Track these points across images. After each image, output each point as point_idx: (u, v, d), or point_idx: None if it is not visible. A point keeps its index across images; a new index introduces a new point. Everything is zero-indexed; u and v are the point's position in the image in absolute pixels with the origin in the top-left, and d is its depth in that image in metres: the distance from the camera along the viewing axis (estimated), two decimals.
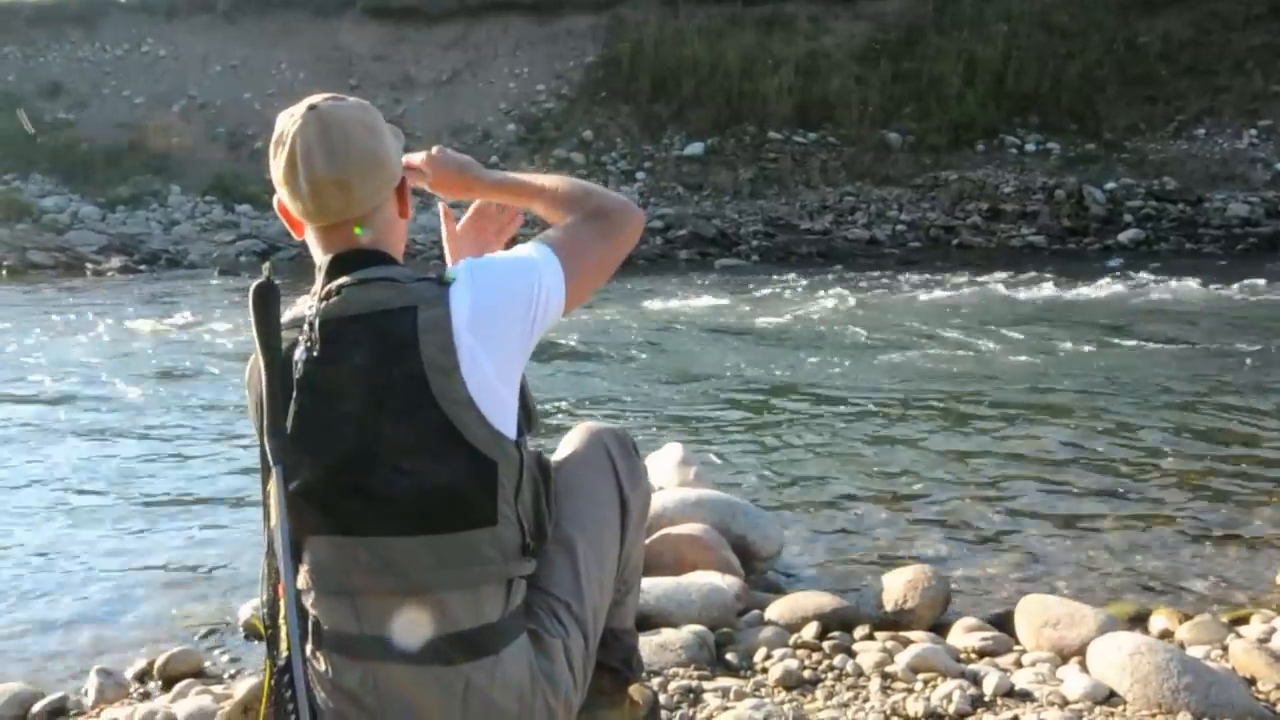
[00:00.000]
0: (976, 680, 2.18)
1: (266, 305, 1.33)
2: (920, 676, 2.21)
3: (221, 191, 17.23)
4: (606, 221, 1.61)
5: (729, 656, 2.37)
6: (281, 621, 1.15)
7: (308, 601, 1.42)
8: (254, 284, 1.36)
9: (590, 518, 1.63)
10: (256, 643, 2.93)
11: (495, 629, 1.44)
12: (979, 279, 11.31)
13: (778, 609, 2.61)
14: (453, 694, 1.41)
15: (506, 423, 1.43)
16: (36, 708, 2.43)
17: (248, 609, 3.06)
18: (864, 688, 2.18)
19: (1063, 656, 2.31)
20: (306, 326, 1.40)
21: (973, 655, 2.37)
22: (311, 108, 1.46)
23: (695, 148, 18.03)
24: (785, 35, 19.48)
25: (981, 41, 18.65)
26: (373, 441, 1.38)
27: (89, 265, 13.68)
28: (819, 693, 2.16)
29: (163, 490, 4.28)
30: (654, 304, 9.90)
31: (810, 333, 8.25)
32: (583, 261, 1.55)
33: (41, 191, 17.11)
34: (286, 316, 1.48)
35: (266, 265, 1.39)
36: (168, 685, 2.62)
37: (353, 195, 1.45)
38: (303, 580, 1.42)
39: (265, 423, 1.30)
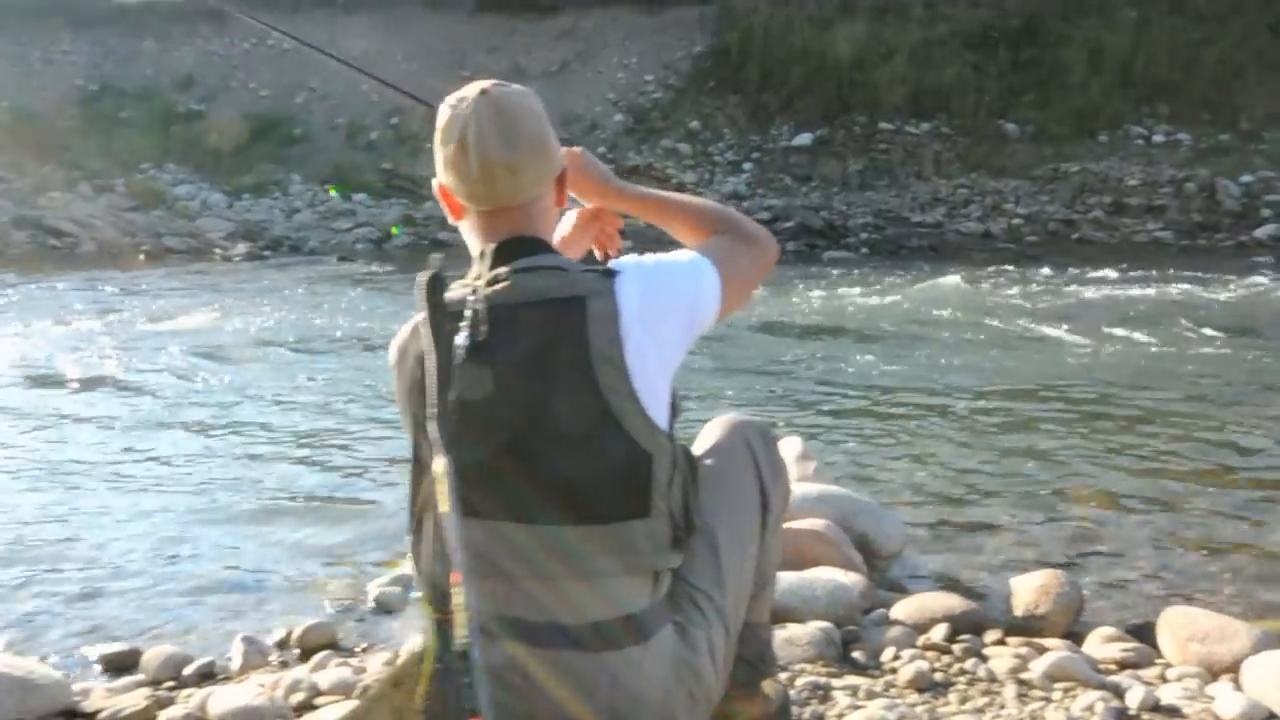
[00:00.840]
0: (1119, 693, 2.10)
1: (436, 294, 1.36)
2: (1058, 686, 2.14)
3: (339, 181, 17.81)
4: (755, 246, 1.65)
5: (855, 654, 2.34)
6: (456, 608, 1.18)
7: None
8: (425, 274, 1.40)
9: (732, 510, 1.62)
10: (384, 618, 3.05)
11: (642, 619, 1.45)
12: (1102, 275, 10.88)
13: (904, 608, 2.57)
14: (598, 682, 1.42)
15: (662, 416, 1.45)
16: (188, 670, 2.56)
17: (375, 587, 3.18)
18: (998, 694, 2.13)
19: (1212, 673, 2.21)
20: (470, 312, 1.42)
21: (1112, 666, 2.28)
22: (483, 92, 1.48)
23: (804, 138, 17.79)
24: (898, 23, 19.03)
25: (1108, 28, 17.87)
26: (535, 429, 1.39)
27: (217, 251, 14.32)
28: (951, 696, 2.11)
29: (299, 472, 4.45)
30: (762, 296, 9.82)
31: (924, 328, 8.06)
32: (735, 278, 1.57)
33: (175, 180, 17.96)
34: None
35: (437, 256, 1.42)
36: (304, 655, 2.73)
37: (521, 180, 1.47)
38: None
39: (434, 409, 1.33)
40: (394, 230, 15.39)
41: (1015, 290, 10.20)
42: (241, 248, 14.43)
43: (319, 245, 15.03)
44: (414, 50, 20.52)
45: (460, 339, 1.39)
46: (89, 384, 6.20)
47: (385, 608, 3.07)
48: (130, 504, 3.98)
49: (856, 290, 10.26)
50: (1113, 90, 17.30)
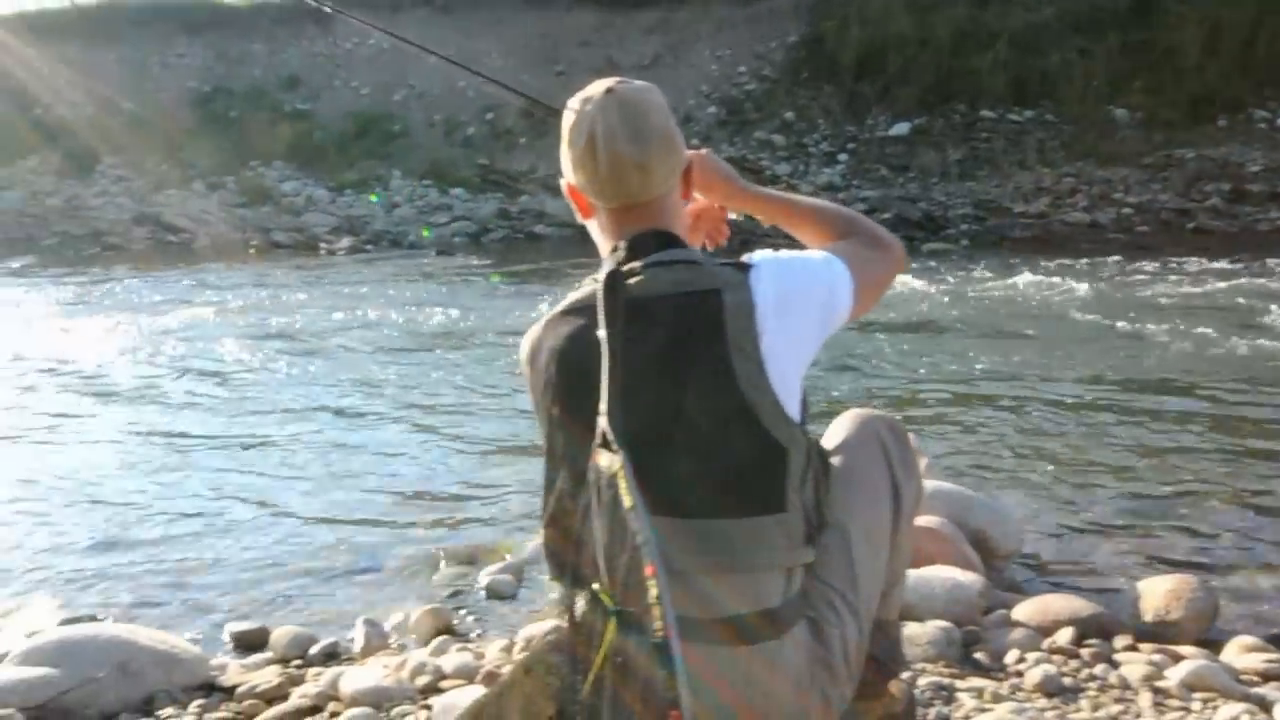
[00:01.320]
0: (1265, 705, 2.00)
1: (615, 292, 1.38)
2: (1197, 696, 2.06)
3: (437, 176, 18.16)
4: (884, 250, 1.63)
5: (977, 655, 2.29)
6: (652, 602, 1.20)
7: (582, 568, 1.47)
8: (606, 269, 1.41)
9: (864, 506, 1.60)
10: (496, 604, 3.11)
11: (776, 615, 1.44)
12: (1221, 267, 10.38)
13: (1026, 610, 2.50)
14: (733, 677, 1.42)
15: (795, 411, 1.44)
16: (314, 649, 2.66)
17: (486, 575, 3.24)
18: (1132, 702, 2.05)
19: None
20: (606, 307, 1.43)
21: (1255, 678, 2.18)
22: (609, 91, 1.49)
23: (901, 128, 17.43)
24: (1001, 7, 18.45)
25: (1227, 6, 17.00)
26: (671, 423, 1.39)
27: (322, 245, 14.76)
28: (1083, 703, 2.05)
29: (408, 460, 4.57)
30: None
31: (1030, 321, 7.82)
32: (867, 280, 1.55)
33: (281, 177, 18.58)
34: (572, 298, 1.53)
35: (617, 251, 1.43)
36: (420, 639, 2.80)
37: (651, 176, 1.48)
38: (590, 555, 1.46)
39: (605, 405, 1.34)
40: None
41: (1126, 282, 9.82)
42: (345, 242, 14.85)
43: (418, 239, 15.36)
44: (509, 46, 20.80)
45: (600, 334, 1.40)
46: (205, 373, 6.47)
47: (496, 594, 3.14)
48: (249, 487, 4.15)
49: (957, 282, 10.01)
50: (1231, 73, 16.46)
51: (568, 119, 1.52)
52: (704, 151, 1.72)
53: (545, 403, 1.49)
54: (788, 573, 1.46)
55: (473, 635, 2.86)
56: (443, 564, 3.38)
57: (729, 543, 1.41)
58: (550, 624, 2.63)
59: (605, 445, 1.30)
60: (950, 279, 10.27)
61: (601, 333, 1.40)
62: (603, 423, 1.30)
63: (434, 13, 21.86)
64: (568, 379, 1.45)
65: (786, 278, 1.45)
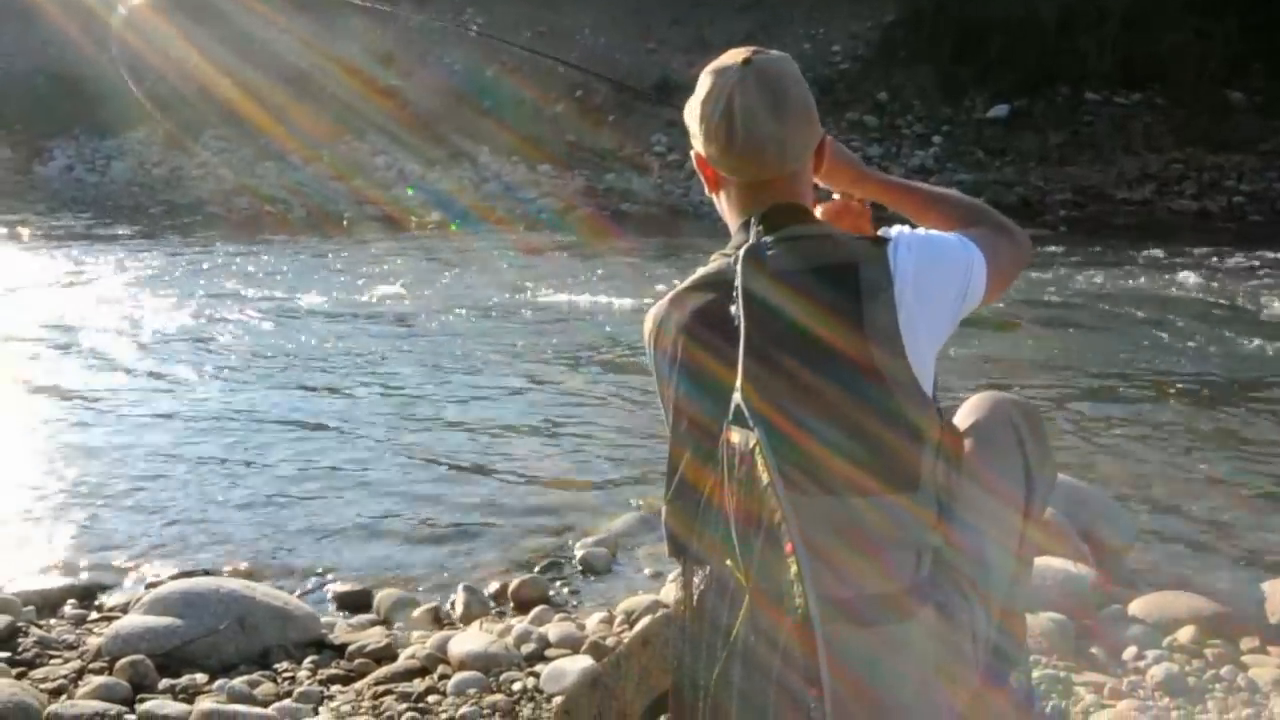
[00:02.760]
0: None
1: (752, 266, 1.36)
2: None
3: (525, 153, 18.28)
4: (1013, 239, 1.60)
5: (1093, 650, 2.22)
6: (793, 579, 1.18)
7: (702, 545, 1.45)
8: (739, 244, 1.39)
9: (995, 493, 1.56)
10: (591, 578, 3.13)
11: (904, 597, 1.40)
12: None
13: (1144, 606, 2.42)
14: (860, 656, 1.39)
15: (930, 390, 1.40)
16: (416, 613, 2.71)
17: (580, 547, 3.27)
18: (1263, 705, 1.97)
19: None
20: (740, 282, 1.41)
21: None
22: (746, 62, 1.46)
23: (1000, 110, 16.90)
24: None
25: None
26: (806, 399, 1.36)
27: (412, 219, 15.01)
28: (1210, 704, 1.97)
29: (502, 431, 4.62)
30: None
31: (1135, 311, 7.54)
32: (998, 268, 1.52)
33: (374, 151, 18.93)
34: (699, 273, 1.51)
35: (750, 226, 1.41)
36: (518, 608, 2.83)
37: (788, 150, 1.45)
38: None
39: (741, 381, 1.32)
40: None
41: (1237, 272, 9.39)
42: (434, 216, 15.07)
43: (504, 214, 15.50)
44: (600, 22, 20.79)
45: (733, 309, 1.38)
46: (304, 344, 6.63)
47: (590, 568, 3.16)
48: (349, 457, 4.24)
49: (1057, 270, 9.71)
50: None
51: (702, 88, 1.50)
52: (828, 139, 1.68)
53: (672, 379, 1.47)
54: (918, 555, 1.43)
55: (569, 606, 2.88)
56: (537, 534, 3.42)
57: (862, 521, 1.38)
58: (650, 599, 2.63)
59: (739, 422, 1.28)
60: (1048, 266, 9.96)
61: (735, 308, 1.38)
62: (737, 399, 1.28)
63: None
64: (697, 355, 1.43)
65: (925, 255, 1.42)
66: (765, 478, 1.22)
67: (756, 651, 1.31)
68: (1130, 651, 2.20)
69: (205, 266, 9.95)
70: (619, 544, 3.29)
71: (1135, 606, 2.42)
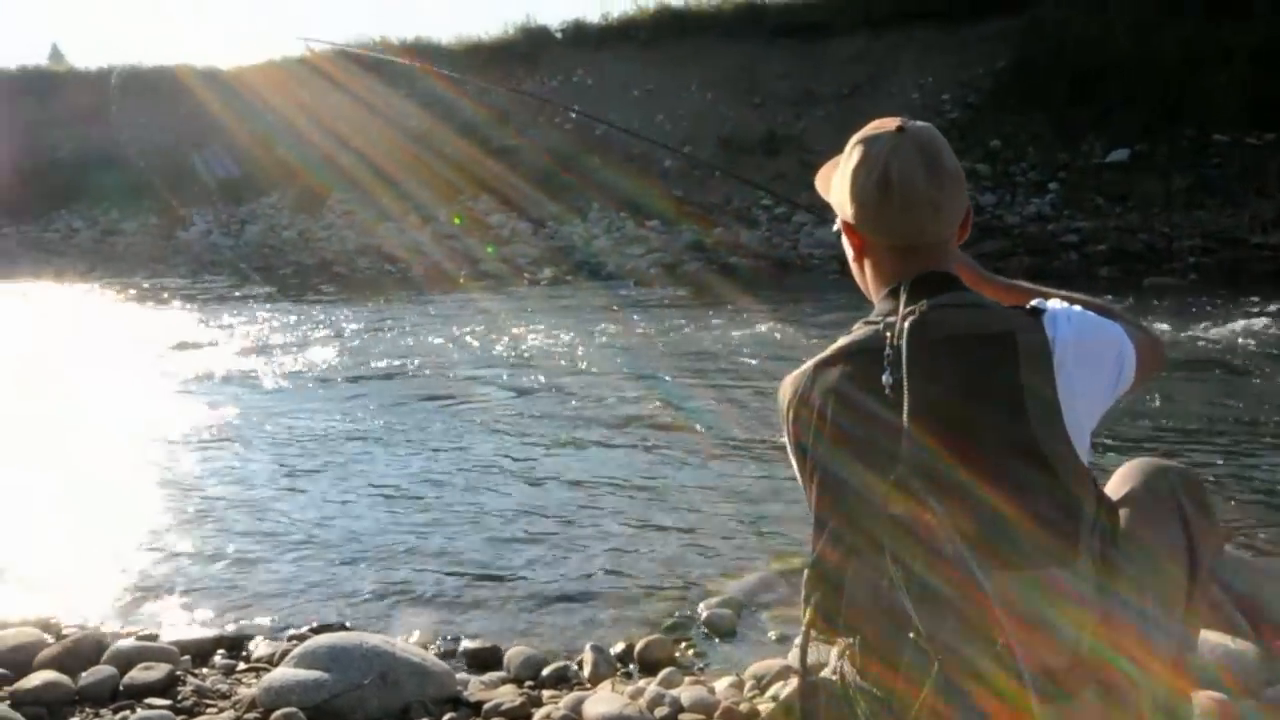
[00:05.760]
0: None
1: (913, 333, 1.37)
2: None
3: (633, 208, 18.59)
4: (1152, 337, 1.61)
5: None
6: (1001, 650, 1.18)
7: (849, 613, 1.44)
8: (910, 311, 1.40)
9: (1156, 566, 1.50)
10: (716, 640, 3.10)
11: (1065, 674, 1.37)
12: None
13: None
14: None
15: (1086, 461, 1.37)
16: (545, 671, 2.74)
17: (705, 608, 3.25)
18: None
19: None
20: (891, 350, 1.41)
21: None
22: (900, 129, 1.49)
23: (1119, 154, 16.39)
24: (1237, 23, 17.07)
25: None
26: (960, 469, 1.36)
27: (526, 275, 15.39)
28: None
29: (625, 490, 4.64)
30: None
31: (1275, 363, 7.15)
32: (1143, 360, 1.52)
33: (488, 209, 19.55)
34: (842, 343, 1.51)
35: (900, 293, 1.43)
36: (644, 669, 2.83)
37: (943, 215, 1.47)
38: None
39: (905, 453, 1.33)
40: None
41: None
42: (547, 272, 15.42)
43: (614, 269, 15.74)
44: (708, 78, 21.10)
45: (885, 378, 1.38)
46: (425, 396, 6.83)
47: (716, 629, 3.13)
48: (469, 511, 4.32)
49: (1187, 320, 9.29)
50: None
51: (855, 155, 1.52)
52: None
53: (816, 447, 1.47)
54: (1077, 630, 1.39)
55: (695, 669, 2.86)
56: (660, 594, 3.41)
57: (1014, 597, 1.35)
58: (780, 663, 2.60)
59: (905, 490, 1.28)
60: (1177, 316, 9.55)
61: (886, 376, 1.38)
62: (901, 470, 1.28)
63: (637, 48, 22.47)
64: (846, 423, 1.43)
65: (1086, 329, 1.42)
66: (949, 549, 1.22)
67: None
68: None
69: (326, 322, 10.39)
70: (742, 605, 3.27)
71: None
